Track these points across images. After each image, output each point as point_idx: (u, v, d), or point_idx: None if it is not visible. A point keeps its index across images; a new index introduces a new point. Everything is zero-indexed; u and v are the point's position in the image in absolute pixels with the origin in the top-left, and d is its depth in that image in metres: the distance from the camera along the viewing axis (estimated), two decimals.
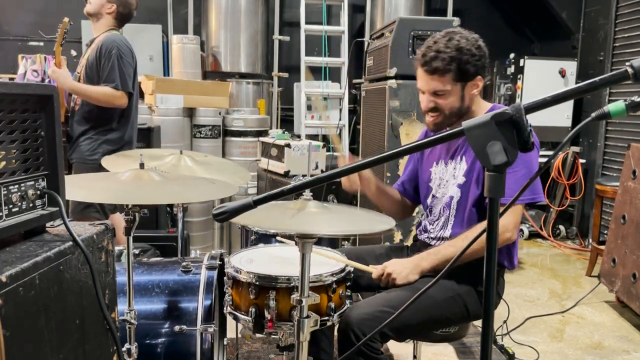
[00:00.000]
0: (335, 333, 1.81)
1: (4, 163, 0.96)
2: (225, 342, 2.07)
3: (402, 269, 1.69)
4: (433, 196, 1.91)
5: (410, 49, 2.99)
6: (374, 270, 1.72)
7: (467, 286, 1.73)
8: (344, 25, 5.16)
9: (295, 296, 1.36)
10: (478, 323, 3.02)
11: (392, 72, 3.03)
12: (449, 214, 1.83)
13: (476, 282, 1.73)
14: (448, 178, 1.84)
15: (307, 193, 1.44)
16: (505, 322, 2.84)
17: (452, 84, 1.71)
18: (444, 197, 1.85)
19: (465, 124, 0.85)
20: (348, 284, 1.63)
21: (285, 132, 3.74)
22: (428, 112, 1.78)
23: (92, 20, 2.87)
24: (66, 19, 2.78)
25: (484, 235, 1.59)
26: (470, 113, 1.78)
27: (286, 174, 3.22)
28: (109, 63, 2.72)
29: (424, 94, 1.77)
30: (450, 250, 1.68)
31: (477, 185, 1.75)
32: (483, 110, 1.79)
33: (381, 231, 1.58)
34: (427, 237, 1.91)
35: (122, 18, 2.90)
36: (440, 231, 1.87)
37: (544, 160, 4.95)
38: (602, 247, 3.70)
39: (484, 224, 1.62)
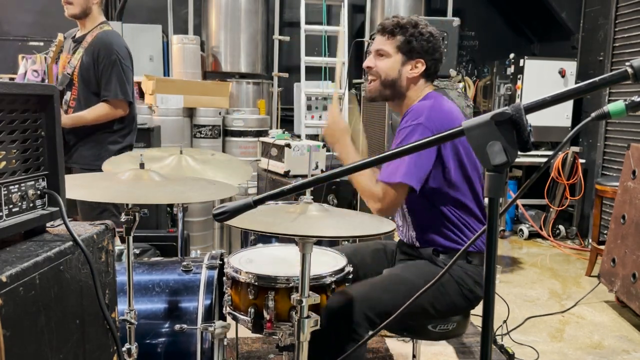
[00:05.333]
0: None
1: (4, 163, 0.96)
2: (225, 342, 2.07)
3: (332, 135, 1.85)
4: None
5: None
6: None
7: (446, 275, 1.73)
8: (344, 25, 5.16)
9: (295, 296, 1.36)
10: (478, 323, 3.03)
11: None
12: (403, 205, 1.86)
13: (454, 273, 1.74)
14: None
15: (308, 196, 1.44)
16: (505, 322, 2.85)
17: (395, 51, 1.79)
18: None
19: (465, 124, 0.85)
20: (347, 284, 1.63)
21: (285, 132, 3.74)
22: (368, 73, 1.86)
23: (80, 19, 2.74)
24: (61, 37, 2.71)
25: (364, 180, 1.73)
26: (405, 96, 1.85)
27: (286, 174, 3.21)
28: (109, 71, 2.64)
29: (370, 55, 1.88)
30: (357, 177, 1.76)
31: None
32: (415, 100, 1.84)
33: (382, 233, 1.58)
34: (400, 231, 1.94)
35: (102, 3, 2.79)
36: (403, 222, 1.91)
37: (544, 160, 4.97)
38: (602, 247, 3.70)
39: (374, 177, 1.73)
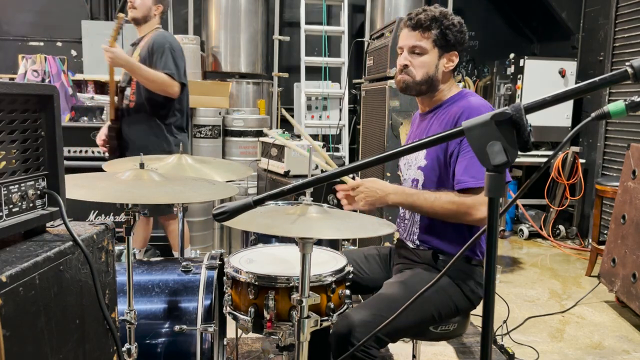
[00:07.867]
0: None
1: (4, 163, 0.96)
2: (225, 342, 2.07)
3: (370, 196, 1.70)
4: (402, 179, 1.93)
5: None
6: (349, 182, 1.74)
7: (446, 279, 1.73)
8: (344, 25, 5.16)
9: (295, 296, 1.35)
10: (478, 323, 3.03)
11: (392, 72, 3.03)
12: None
13: (454, 275, 1.74)
14: (412, 161, 1.86)
15: (308, 197, 1.44)
16: (505, 322, 2.84)
17: (431, 46, 1.75)
18: (409, 180, 1.87)
19: (465, 124, 0.85)
20: (347, 284, 1.63)
21: (285, 132, 3.74)
22: (402, 71, 1.79)
23: (139, 25, 2.95)
24: (121, 15, 2.80)
25: (448, 204, 1.65)
26: (439, 91, 1.81)
27: (286, 174, 3.21)
28: (163, 56, 2.80)
29: (401, 53, 1.80)
30: (421, 202, 1.67)
31: (439, 167, 1.75)
32: (449, 94, 1.82)
33: (382, 235, 1.57)
34: (402, 225, 1.91)
35: (163, 14, 3.02)
36: (410, 217, 1.87)
37: (544, 160, 4.97)
38: (602, 247, 3.70)
39: (449, 194, 1.66)
